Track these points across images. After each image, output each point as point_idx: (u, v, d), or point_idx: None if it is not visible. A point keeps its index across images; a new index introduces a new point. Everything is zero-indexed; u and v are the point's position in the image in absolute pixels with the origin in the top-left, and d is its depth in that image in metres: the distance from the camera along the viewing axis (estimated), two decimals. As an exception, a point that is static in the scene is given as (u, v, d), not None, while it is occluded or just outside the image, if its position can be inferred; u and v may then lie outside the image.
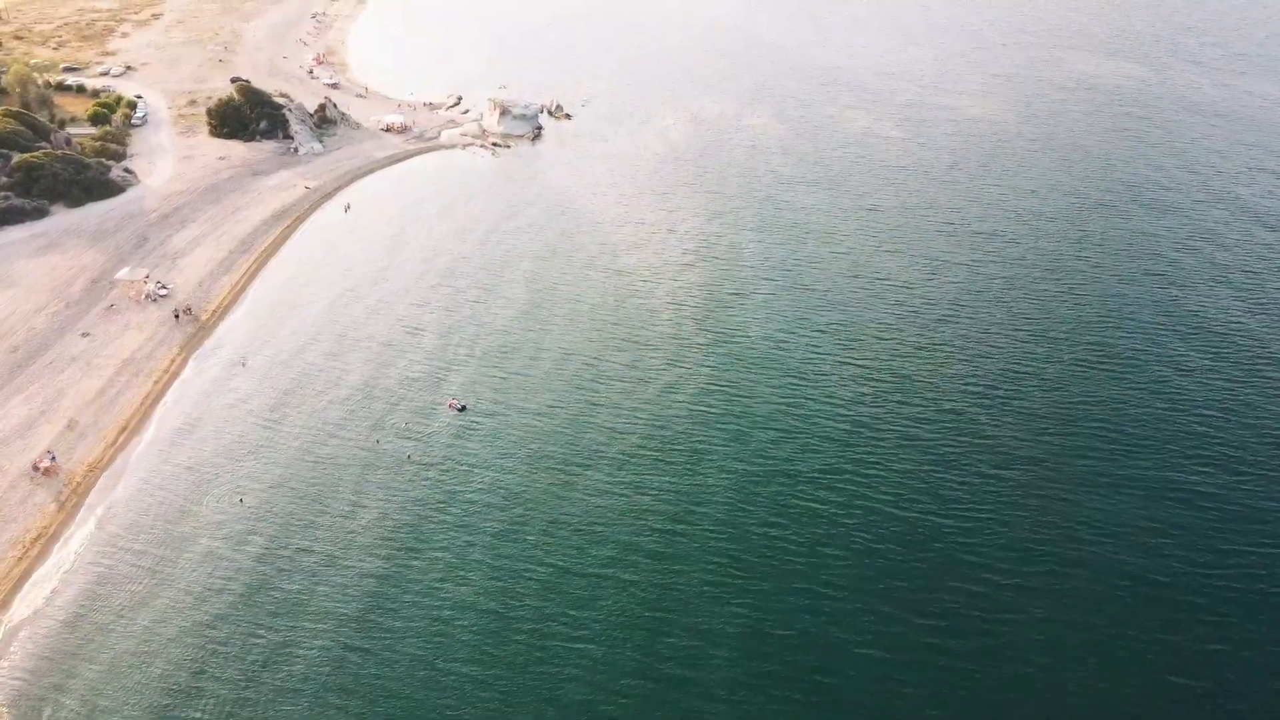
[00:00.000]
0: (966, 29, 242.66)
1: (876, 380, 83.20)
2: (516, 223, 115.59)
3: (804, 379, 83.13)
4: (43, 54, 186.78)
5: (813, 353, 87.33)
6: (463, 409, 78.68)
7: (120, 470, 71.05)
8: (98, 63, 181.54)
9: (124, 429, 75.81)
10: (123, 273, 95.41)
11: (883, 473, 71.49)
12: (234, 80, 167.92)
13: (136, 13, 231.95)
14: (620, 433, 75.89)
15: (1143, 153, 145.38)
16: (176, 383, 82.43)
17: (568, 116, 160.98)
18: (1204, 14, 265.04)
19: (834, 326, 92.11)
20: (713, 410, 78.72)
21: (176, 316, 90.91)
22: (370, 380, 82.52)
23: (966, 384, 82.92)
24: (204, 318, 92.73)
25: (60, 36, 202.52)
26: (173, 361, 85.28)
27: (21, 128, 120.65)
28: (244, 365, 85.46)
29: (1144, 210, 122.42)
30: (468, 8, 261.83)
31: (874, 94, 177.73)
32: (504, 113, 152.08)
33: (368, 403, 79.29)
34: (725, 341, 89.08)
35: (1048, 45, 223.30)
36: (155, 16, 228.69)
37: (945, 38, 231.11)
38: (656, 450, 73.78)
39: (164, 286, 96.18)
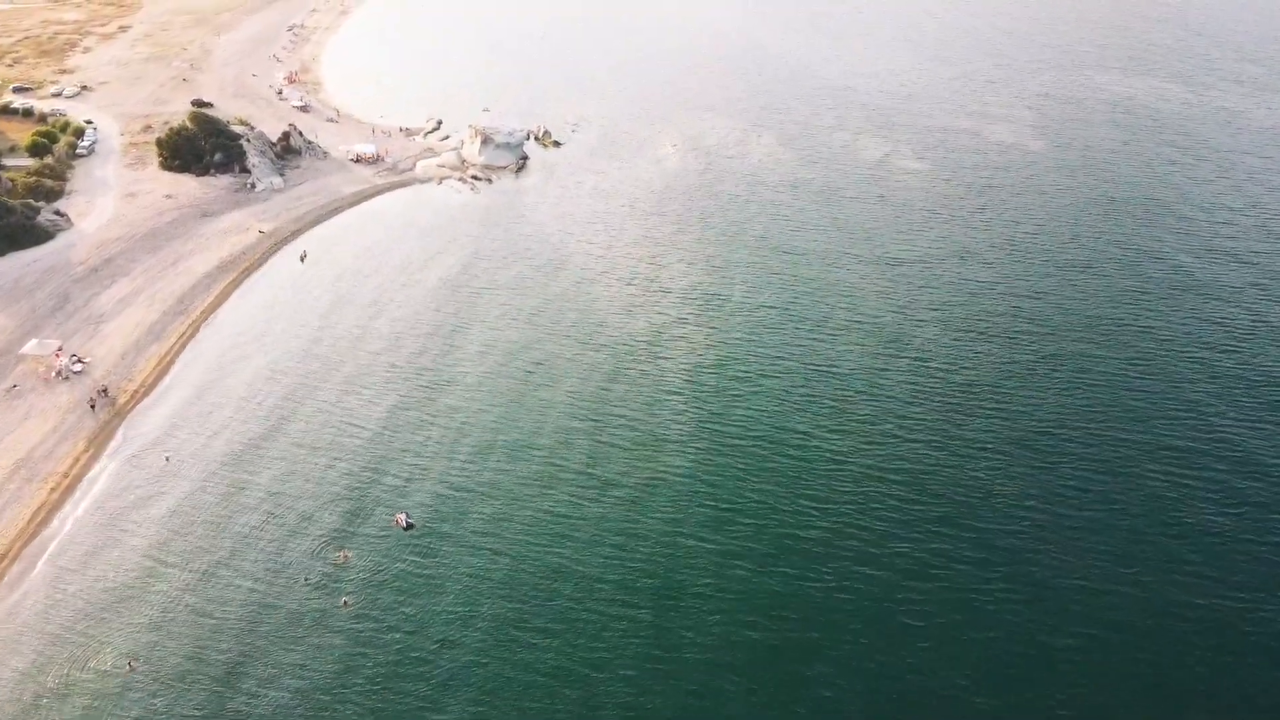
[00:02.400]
0: (984, 40, 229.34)
1: (895, 487, 69.91)
2: (490, 280, 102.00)
3: (813, 487, 69.86)
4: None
5: (824, 450, 74.04)
6: (410, 526, 65.53)
7: (-14, 620, 57.84)
8: (52, 81, 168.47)
9: (1, 558, 62.56)
10: (30, 346, 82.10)
11: (905, 595, 58.34)
12: (194, 103, 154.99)
13: (103, 25, 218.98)
14: (602, 555, 62.66)
15: (1192, 189, 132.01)
16: (77, 490, 69.17)
17: (556, 144, 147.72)
18: (1235, 26, 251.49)
19: (851, 419, 78.79)
20: (719, 533, 65.48)
21: (92, 405, 77.39)
22: (305, 485, 69.31)
23: (998, 477, 69.68)
24: (122, 400, 79.46)
25: (17, 51, 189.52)
26: (76, 461, 72.03)
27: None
28: (166, 461, 72.55)
29: (1199, 259, 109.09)
30: (458, 18, 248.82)
31: (889, 117, 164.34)
32: (485, 141, 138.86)
33: (299, 517, 66.07)
34: (727, 438, 75.74)
35: (1074, 59, 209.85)
36: (123, 29, 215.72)
37: (962, 51, 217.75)
38: (645, 574, 60.62)
39: (79, 361, 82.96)
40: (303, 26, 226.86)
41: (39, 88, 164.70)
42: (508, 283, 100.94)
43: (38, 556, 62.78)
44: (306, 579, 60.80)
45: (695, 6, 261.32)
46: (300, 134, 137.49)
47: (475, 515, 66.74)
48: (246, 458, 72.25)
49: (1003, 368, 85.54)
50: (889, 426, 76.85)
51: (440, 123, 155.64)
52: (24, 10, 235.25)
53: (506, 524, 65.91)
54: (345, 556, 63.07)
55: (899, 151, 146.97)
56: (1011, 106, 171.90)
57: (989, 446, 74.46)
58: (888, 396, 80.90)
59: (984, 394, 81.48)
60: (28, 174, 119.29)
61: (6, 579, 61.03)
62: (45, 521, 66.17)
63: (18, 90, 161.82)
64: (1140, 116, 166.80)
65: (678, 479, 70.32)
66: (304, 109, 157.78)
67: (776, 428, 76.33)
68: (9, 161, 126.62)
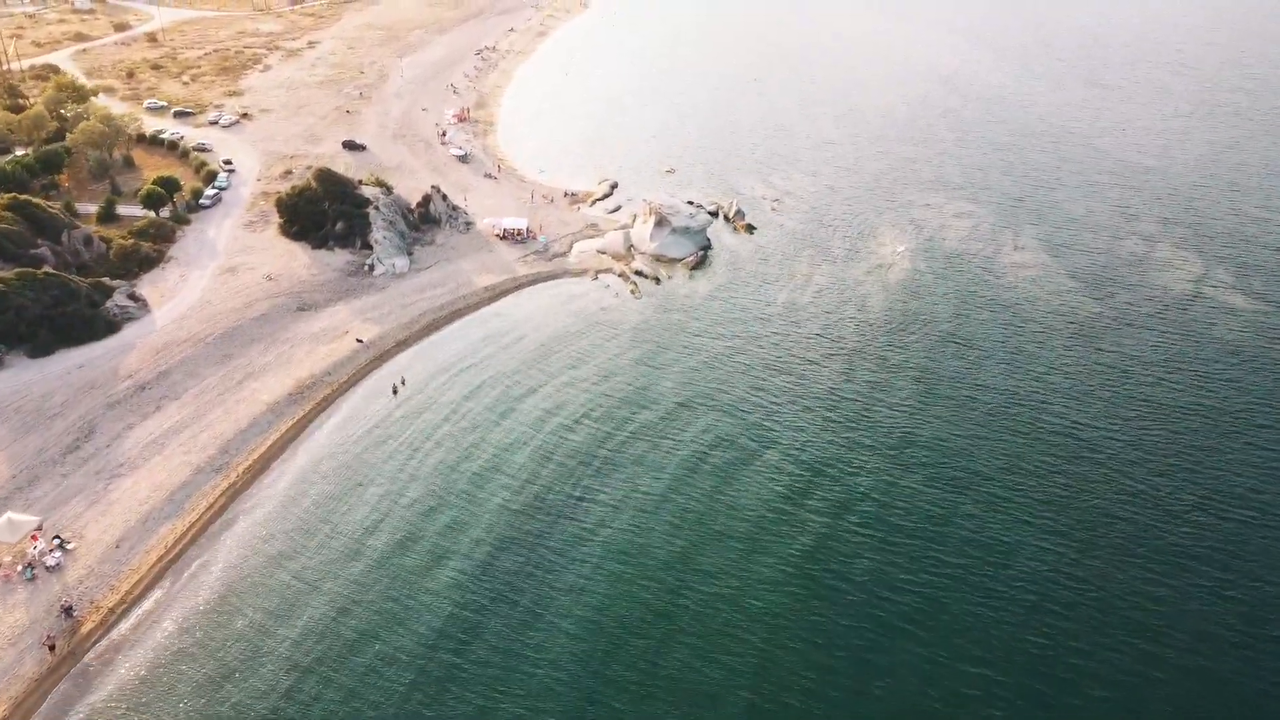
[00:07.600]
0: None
1: None
2: (630, 468, 73.69)
3: None
4: (170, 90, 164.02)
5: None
6: None
7: None
8: (217, 105, 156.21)
9: None
10: (-1, 525, 61.17)
11: None
12: (344, 144, 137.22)
13: (294, 40, 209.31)
14: None
15: None
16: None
17: (749, 228, 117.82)
18: None
19: None
20: None
21: (50, 646, 54.89)
22: None
23: None
24: (89, 627, 56.94)
25: (199, 67, 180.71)
26: (-19, 747, 49.69)
27: (16, 226, 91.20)
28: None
29: None
30: (665, 52, 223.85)
31: (1202, 218, 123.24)
32: (661, 223, 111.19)
33: None
34: None
35: None
36: (311, 45, 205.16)
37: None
38: None
39: (62, 545, 61.68)
40: (493, 50, 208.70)
41: (201, 112, 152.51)
42: (647, 488, 71.83)
43: None
44: None
45: (944, 57, 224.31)
46: (444, 198, 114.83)
47: None
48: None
49: None
50: None
51: (615, 186, 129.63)
52: (227, 19, 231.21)
53: None
54: None
55: (1215, 275, 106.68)
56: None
57: None
58: None
59: None
60: (127, 234, 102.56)
61: None
62: None
63: (178, 115, 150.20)
64: None
65: None
66: (463, 159, 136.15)
67: None
68: (125, 210, 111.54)
